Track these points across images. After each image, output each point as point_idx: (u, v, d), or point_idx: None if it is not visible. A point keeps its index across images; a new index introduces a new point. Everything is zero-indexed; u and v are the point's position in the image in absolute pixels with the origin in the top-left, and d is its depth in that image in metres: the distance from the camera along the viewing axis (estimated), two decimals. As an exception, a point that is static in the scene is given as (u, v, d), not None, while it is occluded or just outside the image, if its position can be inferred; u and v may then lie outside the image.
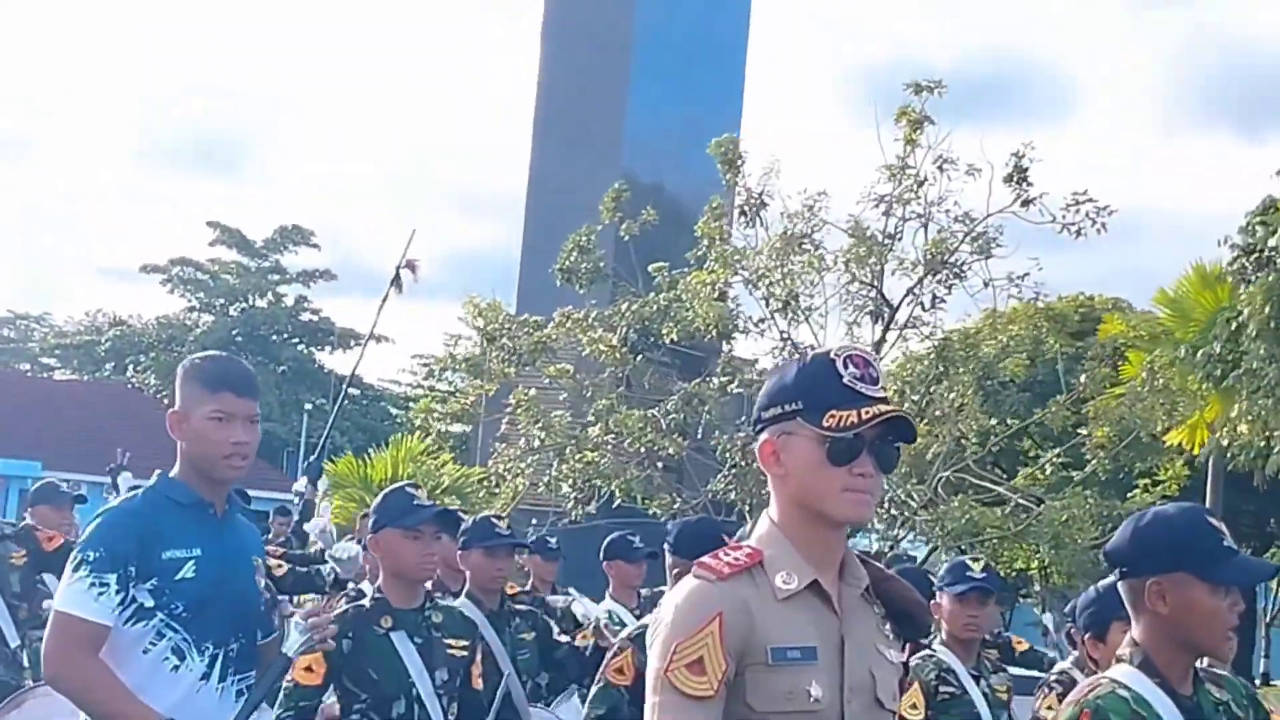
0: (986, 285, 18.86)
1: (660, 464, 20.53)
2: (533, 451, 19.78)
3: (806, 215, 19.47)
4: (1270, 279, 16.34)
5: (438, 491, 19.62)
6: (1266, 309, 16.25)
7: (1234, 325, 16.70)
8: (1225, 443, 16.88)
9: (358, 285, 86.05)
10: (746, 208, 19.60)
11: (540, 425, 19.29)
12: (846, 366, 2.71)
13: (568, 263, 21.12)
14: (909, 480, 19.08)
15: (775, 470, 2.72)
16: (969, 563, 5.74)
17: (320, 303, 53.46)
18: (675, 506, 19.42)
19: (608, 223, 20.70)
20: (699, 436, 19.34)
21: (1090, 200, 18.74)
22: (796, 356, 2.86)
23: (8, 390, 41.82)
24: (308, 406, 45.31)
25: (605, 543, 8.14)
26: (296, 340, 52.05)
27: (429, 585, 6.69)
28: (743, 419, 19.90)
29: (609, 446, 19.93)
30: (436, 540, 5.01)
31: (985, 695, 5.53)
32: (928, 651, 5.54)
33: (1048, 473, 21.30)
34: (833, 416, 2.63)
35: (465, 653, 5.04)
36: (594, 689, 5.18)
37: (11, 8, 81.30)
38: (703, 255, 19.67)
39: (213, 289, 51.94)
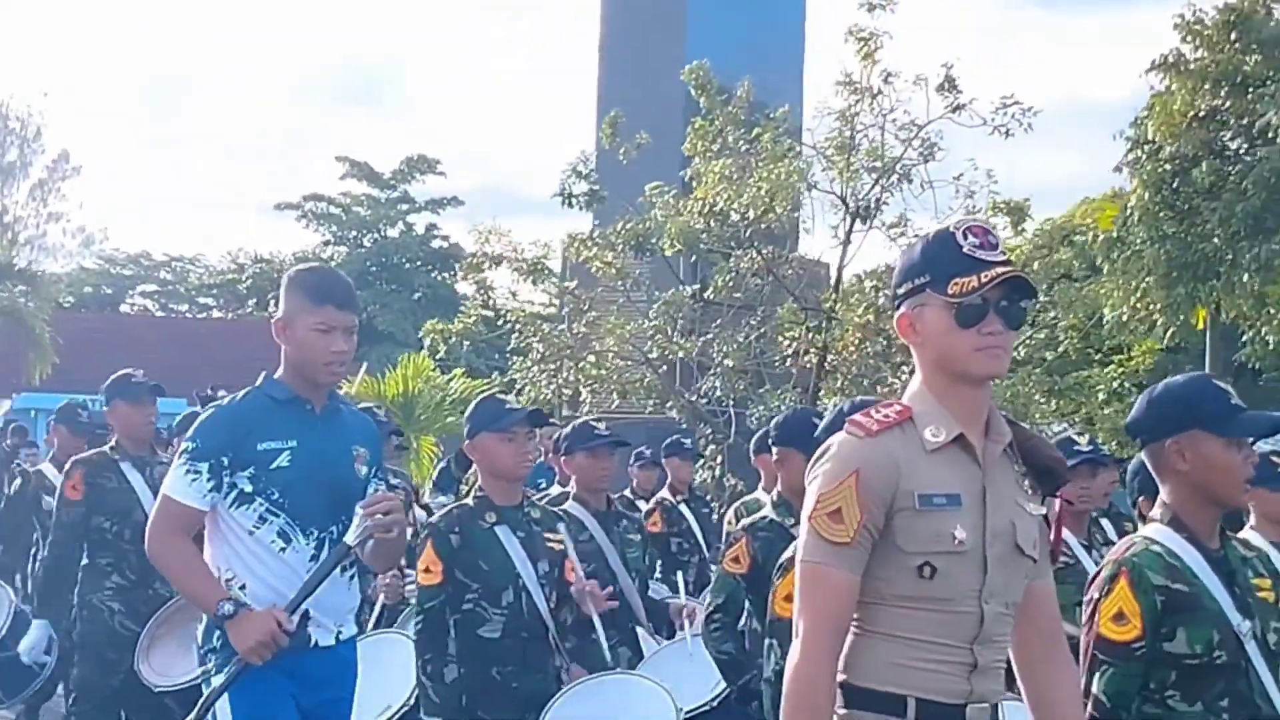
0: (924, 188, 21.89)
1: (664, 368, 24.03)
2: (540, 361, 23.40)
3: (772, 125, 22.60)
4: (1149, 167, 19.06)
5: (445, 402, 23.45)
6: (1146, 195, 18.99)
7: (1127, 211, 19.45)
8: (1125, 318, 19.63)
9: (485, 209, 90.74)
10: (725, 129, 22.76)
11: (538, 338, 22.92)
12: (966, 237, 3.06)
13: (567, 186, 24.71)
14: (886, 363, 22.12)
15: (914, 340, 3.13)
16: (1074, 437, 6.12)
17: (449, 229, 57.58)
18: (668, 407, 22.94)
19: (608, 147, 24.13)
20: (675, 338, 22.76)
21: (1017, 103, 21.58)
22: (932, 233, 3.23)
23: (157, 333, 46.94)
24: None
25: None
26: (429, 267, 56.06)
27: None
28: (718, 323, 23.27)
29: (611, 355, 23.44)
30: (530, 440, 5.47)
31: (1097, 565, 6.55)
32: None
33: (1022, 354, 24.24)
34: (956, 284, 3.01)
35: (563, 546, 5.57)
36: (714, 578, 5.65)
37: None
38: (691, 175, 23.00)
39: (345, 222, 56.41)
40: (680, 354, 23.00)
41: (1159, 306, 19.05)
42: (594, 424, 6.73)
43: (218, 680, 4.35)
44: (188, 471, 4.39)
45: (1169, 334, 19.25)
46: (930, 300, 3.07)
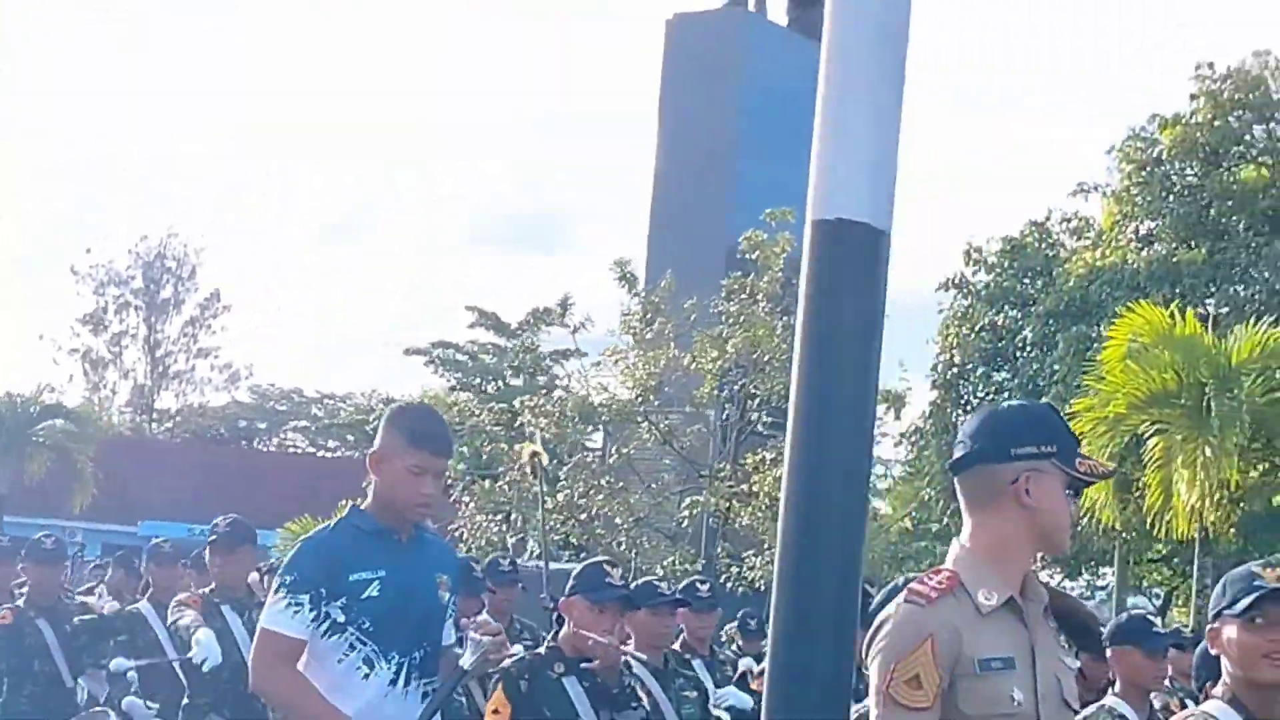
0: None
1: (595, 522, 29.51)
2: (481, 512, 29.13)
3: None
4: (941, 370, 24.30)
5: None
6: (937, 395, 24.22)
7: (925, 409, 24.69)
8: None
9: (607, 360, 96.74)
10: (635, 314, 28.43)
11: (469, 496, 28.72)
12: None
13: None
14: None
15: (1025, 501, 3.39)
16: (1149, 617, 6.51)
17: (573, 381, 63.53)
18: (581, 556, 28.42)
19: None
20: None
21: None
22: (1031, 404, 3.69)
23: (281, 469, 53.61)
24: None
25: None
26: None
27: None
28: (620, 484, 28.70)
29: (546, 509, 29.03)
30: (616, 616, 5.84)
31: None
32: (1102, 703, 6.12)
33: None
34: (1084, 463, 3.43)
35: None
36: None
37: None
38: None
39: (470, 369, 62.93)
40: (592, 509, 28.57)
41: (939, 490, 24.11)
42: (657, 583, 7.12)
43: None
44: (289, 604, 4.72)
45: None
46: (1050, 470, 3.38)
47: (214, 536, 7.98)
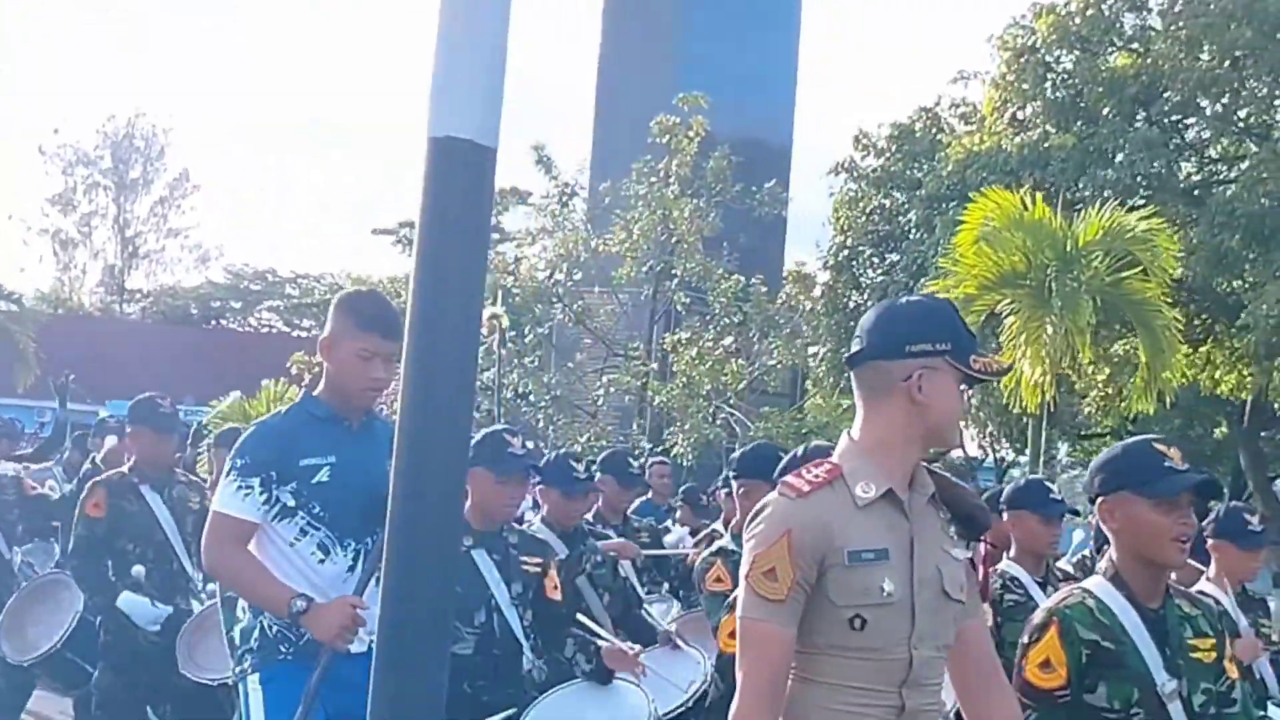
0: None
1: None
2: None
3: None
4: (833, 252, 25.34)
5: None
6: (829, 276, 25.31)
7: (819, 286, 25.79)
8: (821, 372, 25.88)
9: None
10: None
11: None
12: (979, 359, 3.51)
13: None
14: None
15: (917, 398, 3.46)
16: (1047, 484, 6.67)
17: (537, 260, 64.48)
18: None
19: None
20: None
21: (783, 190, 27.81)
22: (928, 300, 3.75)
23: (236, 344, 54.79)
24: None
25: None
26: (516, 296, 63.16)
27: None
28: (532, 361, 29.87)
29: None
30: (520, 486, 5.93)
31: None
32: (996, 566, 6.19)
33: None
34: (978, 360, 3.48)
35: (538, 569, 6.03)
36: (704, 600, 6.36)
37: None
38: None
39: (437, 250, 63.80)
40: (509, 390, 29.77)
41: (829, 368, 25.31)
42: (574, 464, 7.19)
43: (274, 684, 4.87)
44: (240, 488, 4.84)
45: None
46: (944, 367, 3.46)
47: (141, 415, 7.98)
